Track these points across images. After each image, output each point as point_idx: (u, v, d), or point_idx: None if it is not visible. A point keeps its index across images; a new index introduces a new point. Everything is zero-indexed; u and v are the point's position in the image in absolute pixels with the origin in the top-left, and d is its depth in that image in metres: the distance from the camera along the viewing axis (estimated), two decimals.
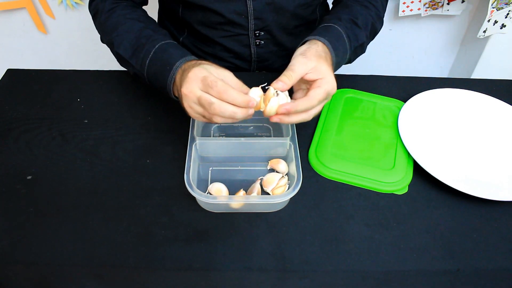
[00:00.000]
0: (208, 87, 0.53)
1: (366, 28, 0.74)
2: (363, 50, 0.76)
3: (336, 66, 0.68)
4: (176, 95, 0.62)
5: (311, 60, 0.59)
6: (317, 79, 0.59)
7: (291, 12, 0.81)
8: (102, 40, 0.75)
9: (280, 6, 0.79)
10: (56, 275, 0.57)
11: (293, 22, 0.84)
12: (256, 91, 0.57)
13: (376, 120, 0.76)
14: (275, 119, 0.58)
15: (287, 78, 0.58)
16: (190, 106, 0.56)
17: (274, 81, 0.58)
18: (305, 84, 0.62)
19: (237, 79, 0.58)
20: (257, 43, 0.85)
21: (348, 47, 0.69)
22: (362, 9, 0.75)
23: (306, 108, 0.57)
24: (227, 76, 0.57)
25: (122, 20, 0.71)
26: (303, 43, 0.65)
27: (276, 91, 0.57)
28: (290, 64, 0.60)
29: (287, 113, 0.57)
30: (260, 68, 0.90)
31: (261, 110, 0.58)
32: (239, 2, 0.77)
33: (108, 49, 0.74)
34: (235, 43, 0.85)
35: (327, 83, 0.58)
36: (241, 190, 0.62)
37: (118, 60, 0.73)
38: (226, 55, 0.87)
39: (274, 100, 0.57)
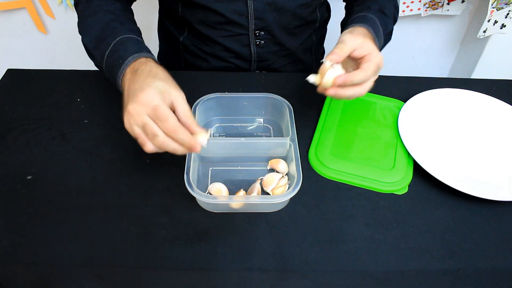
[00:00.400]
0: (157, 119, 0.51)
1: (391, 17, 0.76)
2: (390, 38, 0.79)
3: None
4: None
5: (358, 37, 0.61)
6: (365, 55, 0.60)
7: (291, 12, 0.81)
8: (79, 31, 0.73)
9: (281, 6, 0.79)
10: (56, 275, 0.57)
11: (293, 22, 0.84)
12: (205, 136, 0.53)
13: (376, 120, 0.76)
14: (330, 92, 0.59)
15: (340, 50, 0.59)
16: (131, 125, 0.53)
17: (328, 55, 0.59)
18: (353, 63, 0.63)
19: (186, 105, 0.54)
20: (257, 43, 0.85)
21: (382, 34, 0.71)
22: (385, 0, 0.77)
23: (362, 79, 0.58)
24: (178, 98, 0.53)
25: (96, 10, 0.69)
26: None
27: (332, 64, 0.58)
28: (340, 40, 0.61)
29: (343, 85, 0.58)
30: (260, 68, 0.90)
31: (316, 84, 0.60)
32: (240, 2, 0.77)
33: None
34: (235, 43, 0.85)
35: (375, 56, 0.60)
36: (241, 190, 0.62)
37: (86, 52, 0.71)
38: (226, 54, 0.87)
39: (330, 72, 0.58)
